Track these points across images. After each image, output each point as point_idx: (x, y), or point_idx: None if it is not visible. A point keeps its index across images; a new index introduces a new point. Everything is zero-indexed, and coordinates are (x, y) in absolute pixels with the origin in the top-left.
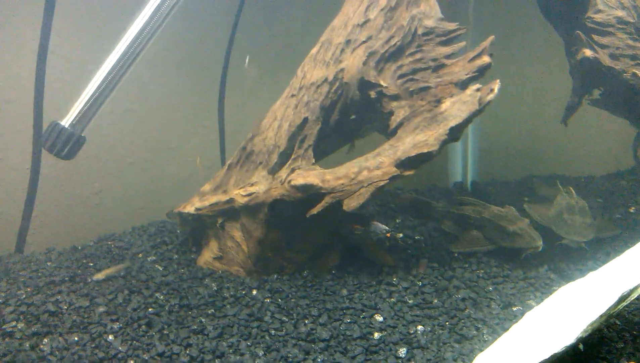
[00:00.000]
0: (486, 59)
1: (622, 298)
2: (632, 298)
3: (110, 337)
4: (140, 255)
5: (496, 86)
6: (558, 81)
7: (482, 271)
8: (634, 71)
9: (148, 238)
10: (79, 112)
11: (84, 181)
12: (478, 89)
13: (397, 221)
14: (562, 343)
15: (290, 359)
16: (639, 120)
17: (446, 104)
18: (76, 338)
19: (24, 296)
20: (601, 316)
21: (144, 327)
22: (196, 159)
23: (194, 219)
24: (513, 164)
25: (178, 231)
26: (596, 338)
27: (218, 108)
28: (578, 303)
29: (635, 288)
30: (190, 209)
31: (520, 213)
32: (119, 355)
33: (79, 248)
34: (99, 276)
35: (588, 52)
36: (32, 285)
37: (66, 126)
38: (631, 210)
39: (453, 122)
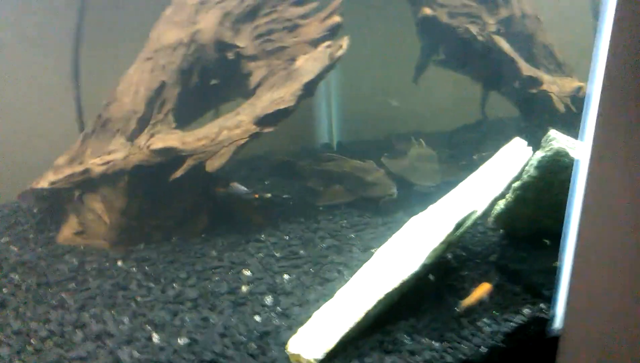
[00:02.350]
0: (337, 18)
1: (458, 225)
2: (467, 225)
3: None
4: None
5: (345, 42)
6: (407, 43)
7: (345, 221)
8: (466, 25)
9: (0, 219)
10: None
11: None
12: (329, 46)
13: (267, 182)
14: (410, 270)
15: (157, 322)
16: (476, 73)
17: (300, 62)
18: None
19: None
20: (442, 242)
21: None
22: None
23: (49, 195)
24: (375, 124)
25: (34, 211)
26: (444, 268)
27: (72, 76)
28: (421, 234)
29: (469, 215)
30: (43, 184)
31: (379, 166)
32: None
33: None
34: None
35: (427, 10)
36: None
37: None
38: (474, 157)
39: (307, 78)
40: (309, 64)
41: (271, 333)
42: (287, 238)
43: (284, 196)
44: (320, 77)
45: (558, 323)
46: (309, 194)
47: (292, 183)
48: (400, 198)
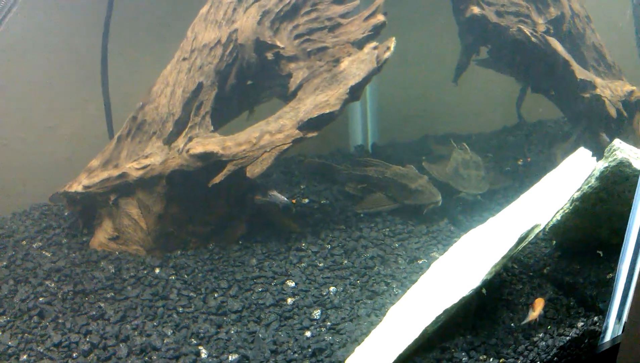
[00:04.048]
0: (380, 17)
1: (521, 239)
2: (529, 239)
3: None
4: (24, 242)
5: (392, 43)
6: (444, 43)
7: (388, 229)
8: (519, 26)
9: (32, 223)
10: None
11: None
12: (375, 48)
13: (302, 186)
14: (469, 286)
15: (202, 335)
16: (523, 75)
17: (345, 64)
18: None
19: None
20: (503, 257)
21: (35, 317)
22: None
23: (83, 199)
24: (409, 126)
25: (65, 214)
26: (497, 282)
27: (101, 77)
28: (480, 248)
29: (532, 228)
30: (77, 187)
31: (419, 171)
32: (9, 351)
33: None
34: None
35: (476, 9)
36: None
37: None
38: (519, 162)
39: (353, 81)
40: (354, 67)
41: (324, 350)
42: (329, 246)
43: (322, 202)
44: (366, 80)
45: (609, 335)
46: (348, 200)
47: (328, 187)
48: (444, 206)
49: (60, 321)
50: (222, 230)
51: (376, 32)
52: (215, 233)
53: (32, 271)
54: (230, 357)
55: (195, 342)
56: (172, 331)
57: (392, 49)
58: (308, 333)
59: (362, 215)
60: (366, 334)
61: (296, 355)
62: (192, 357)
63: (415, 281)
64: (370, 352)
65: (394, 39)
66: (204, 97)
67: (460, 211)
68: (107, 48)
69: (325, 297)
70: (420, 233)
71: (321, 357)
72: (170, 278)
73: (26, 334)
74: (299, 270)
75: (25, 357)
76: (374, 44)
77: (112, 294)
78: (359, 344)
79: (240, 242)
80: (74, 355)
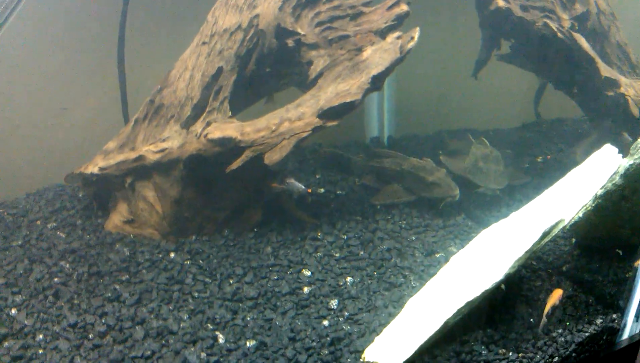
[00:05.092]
0: (404, 7)
1: (545, 234)
2: (553, 234)
3: (13, 311)
4: (38, 222)
5: (416, 34)
6: (464, 38)
7: (404, 221)
8: (545, 20)
9: (46, 203)
10: None
11: None
12: (398, 37)
13: (318, 176)
14: (492, 280)
15: (218, 320)
16: (546, 71)
17: (367, 53)
18: None
19: None
20: (527, 252)
21: (50, 297)
22: None
23: (98, 180)
24: (426, 120)
25: (80, 195)
26: (516, 278)
27: (117, 60)
28: (503, 242)
29: (557, 224)
30: (93, 169)
31: (437, 164)
32: (25, 330)
33: None
34: None
35: (501, 2)
36: None
37: None
38: (538, 159)
39: (375, 71)
40: (377, 56)
41: (343, 339)
42: (345, 237)
43: (338, 192)
44: (389, 70)
45: (627, 333)
46: (365, 192)
47: (344, 178)
48: (461, 200)
49: (75, 302)
50: (238, 217)
51: (399, 22)
52: (230, 220)
53: (46, 251)
54: (248, 342)
55: (211, 327)
56: (188, 315)
57: (416, 39)
58: (326, 322)
59: (378, 207)
60: (384, 325)
61: (314, 343)
62: (210, 341)
63: (433, 274)
64: (389, 343)
65: (418, 29)
66: (223, 82)
67: (478, 206)
68: (125, 30)
69: (342, 287)
70: (437, 227)
71: (340, 346)
72: (186, 263)
73: (42, 314)
74: (314, 260)
75: (41, 336)
76: (397, 33)
77: (127, 277)
78: (378, 334)
79: (255, 229)
80: (90, 336)
